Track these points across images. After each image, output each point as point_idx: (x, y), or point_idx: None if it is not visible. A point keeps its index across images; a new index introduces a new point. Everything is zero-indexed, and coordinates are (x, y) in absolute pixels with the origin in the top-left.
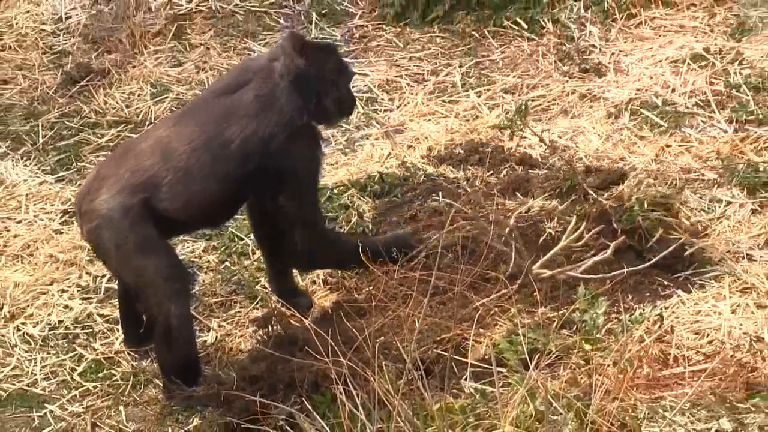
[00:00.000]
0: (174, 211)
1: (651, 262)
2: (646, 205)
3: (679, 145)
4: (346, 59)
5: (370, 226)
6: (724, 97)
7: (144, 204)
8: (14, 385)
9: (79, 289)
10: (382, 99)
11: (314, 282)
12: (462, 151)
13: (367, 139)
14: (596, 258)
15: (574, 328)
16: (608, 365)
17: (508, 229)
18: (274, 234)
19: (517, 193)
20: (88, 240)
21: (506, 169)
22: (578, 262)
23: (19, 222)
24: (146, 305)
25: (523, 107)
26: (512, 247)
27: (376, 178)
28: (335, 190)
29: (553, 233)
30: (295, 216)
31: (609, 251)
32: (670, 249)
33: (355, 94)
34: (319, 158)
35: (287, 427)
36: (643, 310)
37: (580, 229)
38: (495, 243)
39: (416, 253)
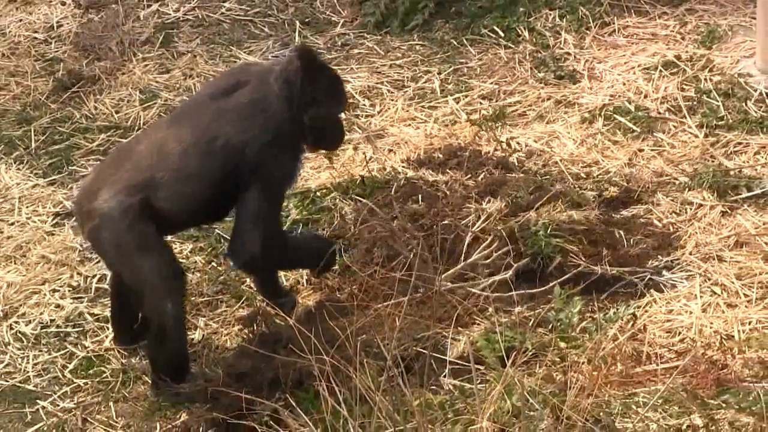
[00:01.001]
0: (170, 211)
1: (547, 287)
2: (549, 231)
3: (652, 150)
4: (345, 93)
5: (353, 228)
6: (695, 103)
7: (142, 204)
8: (7, 381)
9: (71, 289)
10: (364, 105)
11: (298, 282)
12: (441, 155)
13: (350, 143)
14: (497, 277)
15: (550, 327)
16: (583, 362)
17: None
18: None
19: (492, 196)
20: (88, 239)
21: (484, 173)
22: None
23: (12, 224)
24: (142, 303)
25: (499, 112)
26: (418, 257)
27: (358, 182)
28: (318, 193)
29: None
30: (256, 218)
31: (510, 272)
32: (566, 277)
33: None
34: (293, 170)
35: (272, 422)
36: (617, 309)
37: (491, 247)
38: (400, 248)
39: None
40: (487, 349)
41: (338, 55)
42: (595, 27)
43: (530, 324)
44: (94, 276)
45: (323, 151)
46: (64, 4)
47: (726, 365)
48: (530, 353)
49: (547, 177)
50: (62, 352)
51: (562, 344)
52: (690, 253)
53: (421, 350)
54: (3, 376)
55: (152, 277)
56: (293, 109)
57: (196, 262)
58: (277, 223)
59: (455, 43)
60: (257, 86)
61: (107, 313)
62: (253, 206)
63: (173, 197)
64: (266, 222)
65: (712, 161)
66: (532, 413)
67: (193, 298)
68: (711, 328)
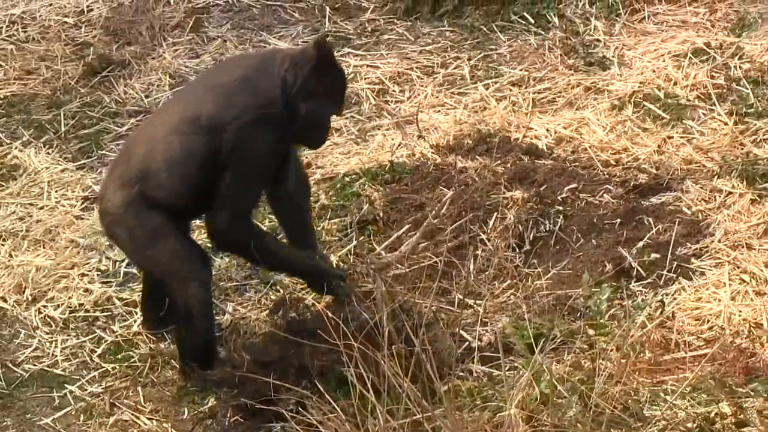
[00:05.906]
0: (166, 198)
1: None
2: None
3: (681, 137)
4: (345, 97)
5: (381, 213)
6: (724, 91)
7: (140, 195)
8: (35, 366)
9: (99, 273)
10: (393, 90)
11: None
12: (470, 142)
13: (379, 129)
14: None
15: (579, 314)
16: (611, 350)
17: None
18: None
19: (520, 183)
20: (108, 237)
21: (513, 159)
22: None
23: (42, 208)
24: (168, 291)
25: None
26: None
27: (387, 167)
28: (347, 178)
29: None
30: (227, 196)
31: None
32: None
33: (326, 136)
34: (270, 152)
35: (299, 409)
36: (646, 296)
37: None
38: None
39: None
40: (515, 336)
41: (368, 41)
42: (625, 14)
43: (559, 311)
44: (122, 260)
45: (304, 148)
46: None
47: (755, 353)
48: (559, 340)
49: (576, 164)
50: (90, 336)
51: (591, 331)
52: (719, 241)
53: (450, 337)
54: (31, 361)
55: (172, 263)
56: (290, 94)
57: None
58: (249, 203)
59: (485, 29)
60: (257, 67)
61: (135, 297)
62: (228, 188)
63: (166, 184)
64: (238, 203)
65: (742, 149)
66: (560, 400)
67: (222, 283)
68: (740, 316)
